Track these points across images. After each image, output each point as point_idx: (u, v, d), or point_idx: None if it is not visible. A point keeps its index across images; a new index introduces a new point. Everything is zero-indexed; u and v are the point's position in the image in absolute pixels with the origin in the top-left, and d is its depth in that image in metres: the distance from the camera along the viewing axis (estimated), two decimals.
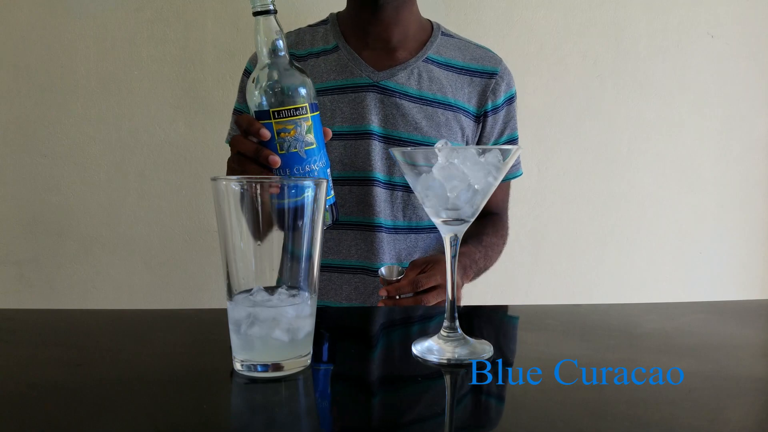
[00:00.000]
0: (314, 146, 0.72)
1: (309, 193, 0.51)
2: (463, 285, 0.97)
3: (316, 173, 0.72)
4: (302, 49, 1.03)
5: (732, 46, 1.77)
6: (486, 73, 1.03)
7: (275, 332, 0.50)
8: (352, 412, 0.46)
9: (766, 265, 1.88)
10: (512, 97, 1.07)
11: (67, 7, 1.55)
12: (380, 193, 1.00)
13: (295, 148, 0.70)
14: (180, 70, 1.57)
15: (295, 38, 1.04)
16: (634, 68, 1.74)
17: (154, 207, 1.60)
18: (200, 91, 1.55)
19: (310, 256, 0.52)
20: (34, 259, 1.62)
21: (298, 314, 0.51)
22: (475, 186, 0.54)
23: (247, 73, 1.05)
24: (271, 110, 0.70)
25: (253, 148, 0.70)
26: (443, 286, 0.83)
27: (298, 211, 0.51)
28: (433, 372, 0.53)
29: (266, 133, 0.70)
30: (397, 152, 0.56)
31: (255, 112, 0.72)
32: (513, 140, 1.09)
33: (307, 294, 0.52)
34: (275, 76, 0.71)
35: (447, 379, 0.52)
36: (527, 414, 0.45)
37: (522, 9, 1.69)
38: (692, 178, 1.81)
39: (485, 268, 1.03)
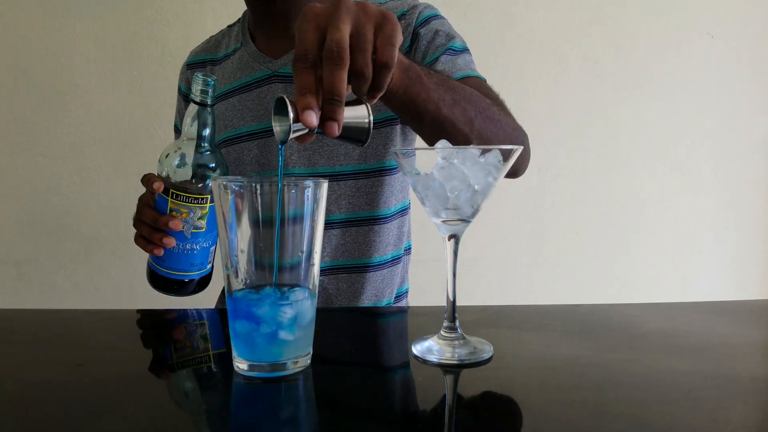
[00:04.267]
0: (203, 230, 0.74)
1: (309, 193, 0.51)
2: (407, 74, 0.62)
3: (196, 252, 0.75)
4: (219, 52, 0.98)
5: (732, 46, 1.77)
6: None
7: (275, 332, 0.50)
8: (352, 413, 0.46)
9: (766, 265, 1.88)
10: (427, 18, 0.90)
11: (67, 7, 1.55)
12: None
13: (182, 227, 0.72)
14: (180, 70, 1.57)
15: (214, 42, 1.00)
16: (634, 68, 1.74)
17: None
18: None
19: (309, 256, 0.52)
20: (34, 259, 1.62)
21: (298, 314, 0.51)
22: (475, 186, 0.54)
23: (187, 67, 1.01)
24: (171, 190, 0.71)
25: (152, 215, 0.72)
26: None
27: (297, 212, 0.51)
28: (433, 372, 0.53)
29: (162, 216, 0.72)
30: (396, 153, 0.56)
31: (162, 177, 0.73)
32: (446, 51, 0.87)
33: (307, 294, 0.52)
34: (189, 160, 0.72)
35: (447, 379, 0.52)
36: (527, 414, 0.45)
37: (522, 9, 1.69)
38: (692, 178, 1.81)
39: (451, 101, 0.68)
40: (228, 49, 0.98)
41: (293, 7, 0.91)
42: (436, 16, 0.92)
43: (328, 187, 0.92)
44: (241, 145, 0.94)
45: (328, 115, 0.49)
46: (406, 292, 1.06)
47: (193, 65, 0.98)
